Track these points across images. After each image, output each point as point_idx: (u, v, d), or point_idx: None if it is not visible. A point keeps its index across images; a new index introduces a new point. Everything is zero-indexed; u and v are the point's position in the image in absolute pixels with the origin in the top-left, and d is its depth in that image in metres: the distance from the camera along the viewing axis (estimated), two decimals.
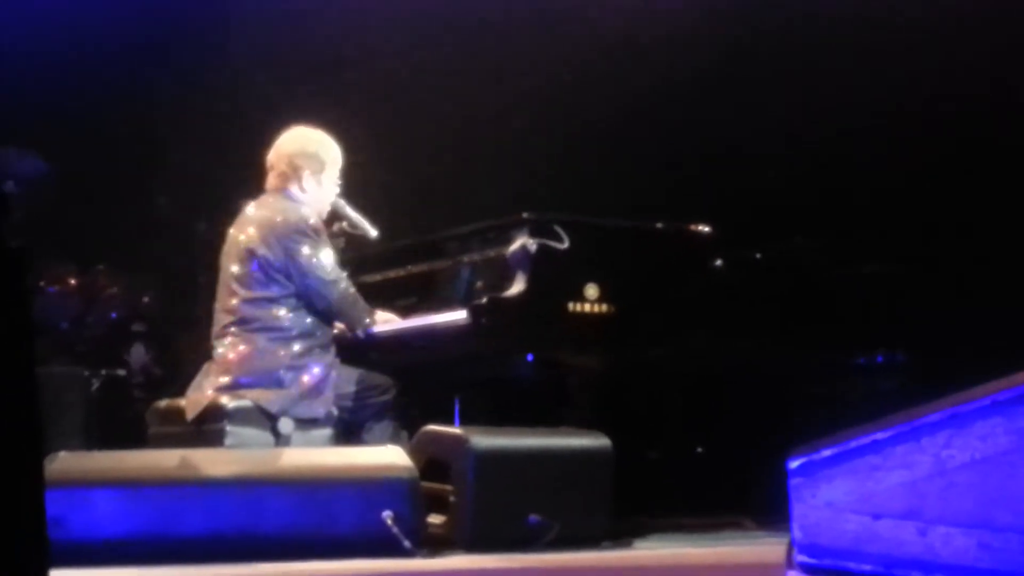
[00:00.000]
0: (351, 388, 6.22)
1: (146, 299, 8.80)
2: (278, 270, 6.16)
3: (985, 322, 7.00)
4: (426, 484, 5.57)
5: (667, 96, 8.34)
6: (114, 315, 8.69)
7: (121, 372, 8.54)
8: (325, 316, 6.26)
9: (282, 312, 6.14)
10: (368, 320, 6.37)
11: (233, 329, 6.17)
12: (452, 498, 5.68)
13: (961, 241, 7.51)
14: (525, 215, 6.29)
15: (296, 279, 6.16)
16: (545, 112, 8.51)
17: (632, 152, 8.41)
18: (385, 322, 6.46)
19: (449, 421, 6.46)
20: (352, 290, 6.32)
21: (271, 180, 6.40)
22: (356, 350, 6.42)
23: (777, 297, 6.77)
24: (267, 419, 5.99)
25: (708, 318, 6.54)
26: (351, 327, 6.37)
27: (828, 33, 8.09)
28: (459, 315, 6.16)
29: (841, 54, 8.05)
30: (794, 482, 3.61)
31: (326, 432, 6.11)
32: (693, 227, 6.68)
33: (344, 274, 6.30)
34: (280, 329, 6.12)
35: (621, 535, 5.93)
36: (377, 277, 7.02)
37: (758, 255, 6.85)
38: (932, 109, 7.70)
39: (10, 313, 2.52)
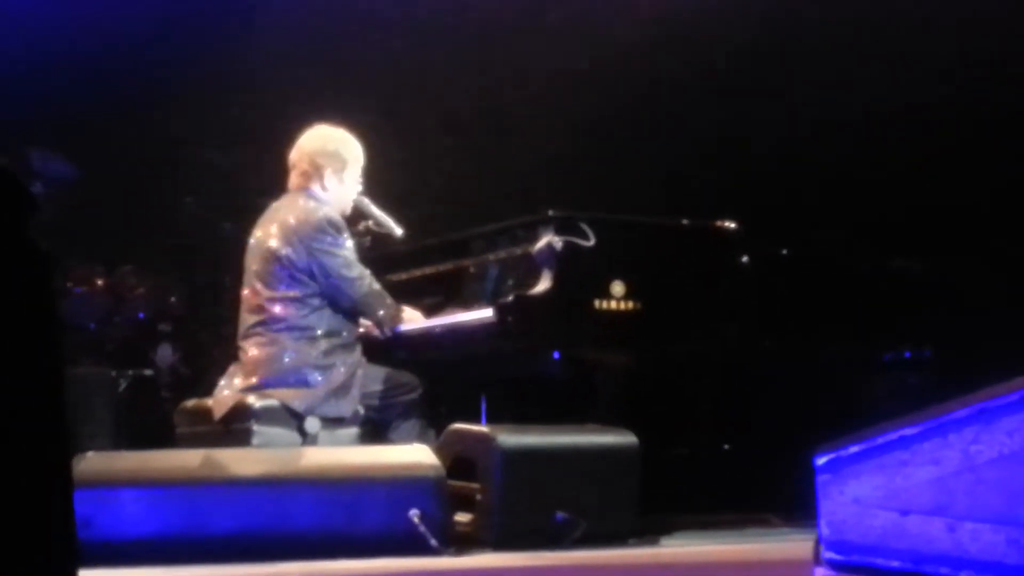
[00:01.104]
0: (378, 387, 6.23)
1: (173, 299, 8.82)
2: (301, 269, 6.16)
3: (1013, 317, 6.98)
4: (453, 482, 5.58)
5: (693, 92, 8.33)
6: (141, 315, 8.72)
7: (148, 372, 8.56)
8: (350, 315, 6.27)
9: (307, 312, 6.15)
10: (394, 317, 6.38)
11: (259, 329, 6.18)
12: (479, 496, 5.68)
13: (989, 236, 7.49)
14: (551, 213, 6.29)
15: (320, 278, 6.17)
16: (571, 109, 8.51)
17: (657, 148, 8.40)
18: (411, 320, 6.46)
19: (476, 419, 6.47)
20: (376, 287, 6.32)
21: (293, 179, 6.41)
22: (383, 349, 6.43)
23: (804, 293, 6.76)
24: (294, 418, 6.01)
25: (734, 315, 6.53)
26: (377, 324, 6.38)
27: (853, 25, 8.07)
28: (485, 313, 6.17)
29: (867, 46, 8.03)
30: (821, 478, 3.60)
31: (352, 431, 6.12)
32: (719, 223, 6.67)
33: (368, 272, 6.30)
34: (306, 329, 6.13)
35: (648, 532, 5.93)
36: (403, 276, 7.02)
37: (784, 251, 6.84)
38: (964, 101, 7.67)
39: (38, 314, 2.53)
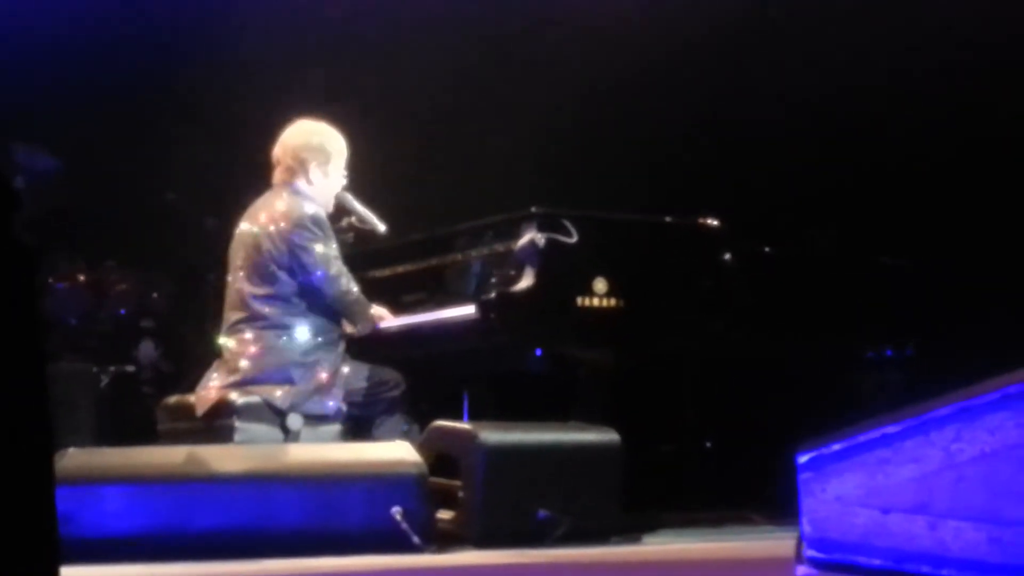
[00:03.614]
0: (361, 384, 6.22)
1: (155, 295, 8.79)
2: (282, 266, 6.16)
3: (994, 315, 6.99)
4: (435, 480, 5.57)
5: (676, 87, 8.34)
6: (123, 311, 8.69)
7: (130, 368, 8.53)
8: (333, 313, 6.26)
9: (291, 309, 6.14)
10: (369, 318, 6.37)
11: (242, 326, 6.17)
12: (461, 494, 5.67)
13: (972, 234, 7.50)
14: (534, 209, 6.29)
15: (299, 274, 6.16)
16: (552, 105, 8.50)
17: (641, 145, 8.40)
18: (380, 317, 6.47)
19: (458, 416, 6.46)
20: (354, 287, 6.30)
21: (277, 175, 6.41)
22: (366, 345, 6.42)
23: (786, 291, 6.77)
24: (276, 415, 6.00)
25: (717, 312, 6.54)
26: (352, 324, 6.36)
27: (838, 19, 8.07)
28: (468, 310, 6.17)
29: (851, 43, 8.03)
30: (803, 476, 3.61)
31: (335, 428, 6.12)
32: (702, 220, 6.67)
33: (346, 270, 6.28)
34: (289, 326, 6.12)
35: (630, 530, 5.93)
36: (386, 272, 7.02)
37: (767, 249, 6.85)
38: (948, 96, 7.68)
39: (20, 309, 2.52)
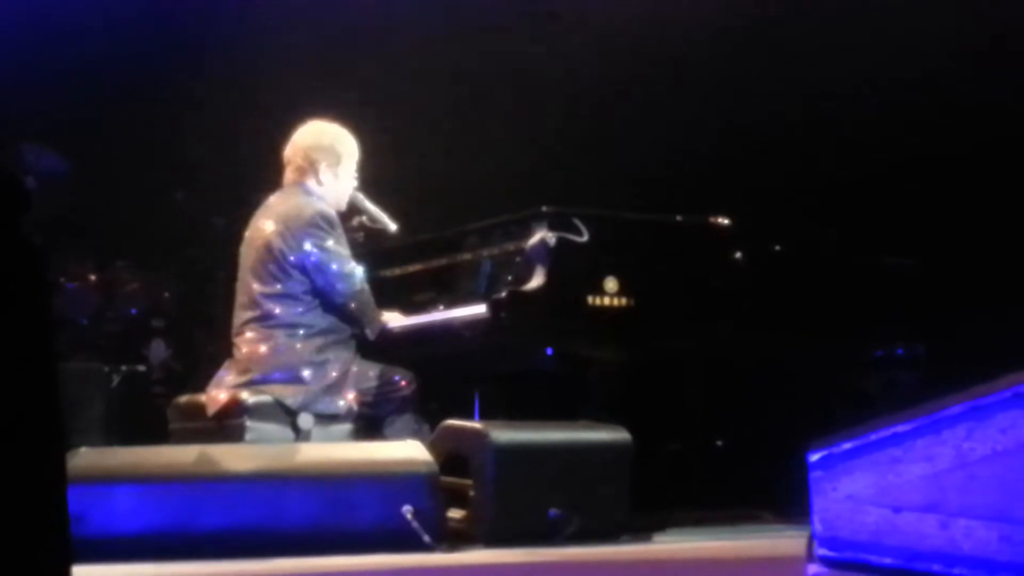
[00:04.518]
0: (372, 383, 6.22)
1: (166, 295, 8.81)
2: (294, 265, 6.16)
3: (1006, 314, 6.98)
4: (446, 479, 5.57)
5: (686, 86, 8.34)
6: (134, 311, 8.70)
7: (141, 368, 8.55)
8: (342, 311, 6.26)
9: (301, 308, 6.14)
10: (379, 318, 6.37)
11: (253, 325, 6.17)
12: (472, 492, 5.67)
13: (982, 232, 7.49)
14: (544, 208, 6.29)
15: (311, 273, 6.16)
16: (563, 104, 8.51)
17: (652, 143, 8.40)
18: (390, 319, 6.46)
19: (469, 415, 6.46)
20: (366, 288, 6.30)
21: (288, 175, 6.41)
22: (377, 345, 6.42)
23: (797, 289, 6.76)
24: (287, 414, 6.00)
25: (727, 311, 6.53)
26: (360, 325, 6.35)
27: (841, 20, 8.06)
28: (478, 309, 6.16)
29: (853, 43, 8.03)
30: (814, 475, 3.60)
31: (346, 427, 6.12)
32: (713, 220, 6.67)
33: (358, 270, 6.28)
34: (300, 325, 6.12)
35: (641, 529, 5.93)
36: (396, 271, 7.02)
37: (778, 247, 6.84)
38: (959, 95, 7.67)
39: (31, 309, 2.53)
